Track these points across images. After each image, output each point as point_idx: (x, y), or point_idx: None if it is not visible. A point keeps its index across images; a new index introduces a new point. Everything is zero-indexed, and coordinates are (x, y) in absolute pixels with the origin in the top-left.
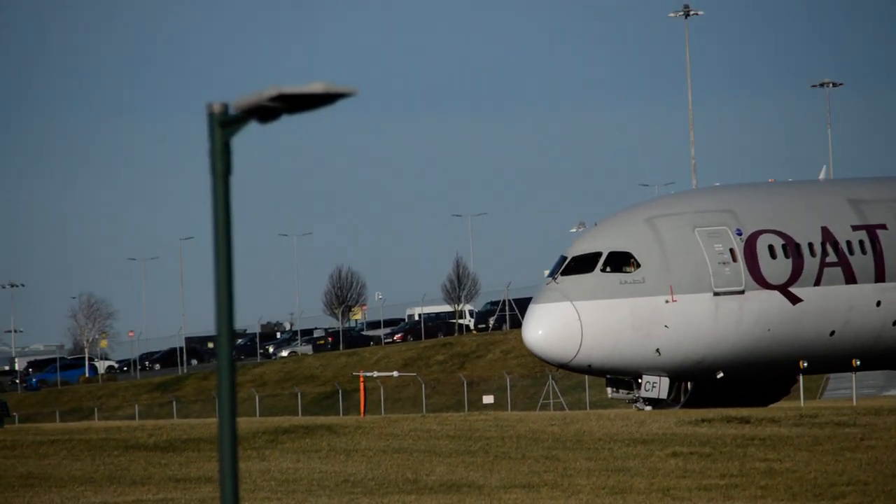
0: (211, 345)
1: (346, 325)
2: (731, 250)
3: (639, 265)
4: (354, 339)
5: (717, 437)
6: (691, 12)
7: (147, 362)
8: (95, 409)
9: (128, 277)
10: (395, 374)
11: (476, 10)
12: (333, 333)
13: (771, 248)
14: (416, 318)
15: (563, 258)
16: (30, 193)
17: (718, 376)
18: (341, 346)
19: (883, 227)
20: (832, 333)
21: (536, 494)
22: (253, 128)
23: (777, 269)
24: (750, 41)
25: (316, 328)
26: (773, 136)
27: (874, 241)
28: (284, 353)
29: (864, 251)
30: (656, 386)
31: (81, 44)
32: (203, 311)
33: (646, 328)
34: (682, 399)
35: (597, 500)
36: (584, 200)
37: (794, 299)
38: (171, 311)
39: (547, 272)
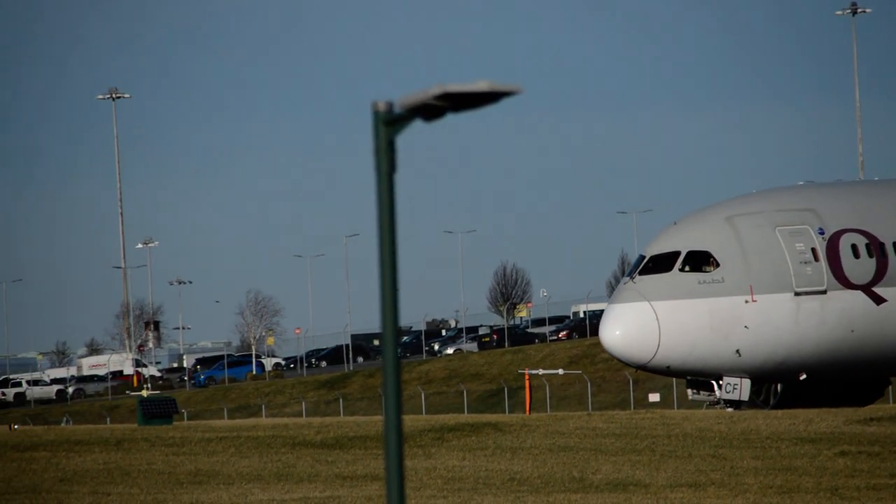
0: (377, 342)
1: (511, 322)
2: (813, 249)
3: (718, 265)
4: (519, 336)
5: (887, 436)
6: (859, 10)
7: (313, 359)
8: (263, 407)
9: (294, 274)
10: (561, 371)
11: (630, 8)
12: (499, 331)
13: (854, 247)
14: (581, 315)
15: (642, 257)
16: (199, 191)
17: (801, 378)
18: (506, 344)
19: None
20: None
21: (703, 493)
22: (418, 124)
23: (860, 268)
24: None
25: (481, 325)
26: None
27: None
28: (450, 351)
29: None
30: (737, 388)
31: (258, 46)
32: (369, 309)
33: (725, 329)
34: (771, 401)
35: (764, 499)
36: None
37: (879, 299)
38: (337, 308)
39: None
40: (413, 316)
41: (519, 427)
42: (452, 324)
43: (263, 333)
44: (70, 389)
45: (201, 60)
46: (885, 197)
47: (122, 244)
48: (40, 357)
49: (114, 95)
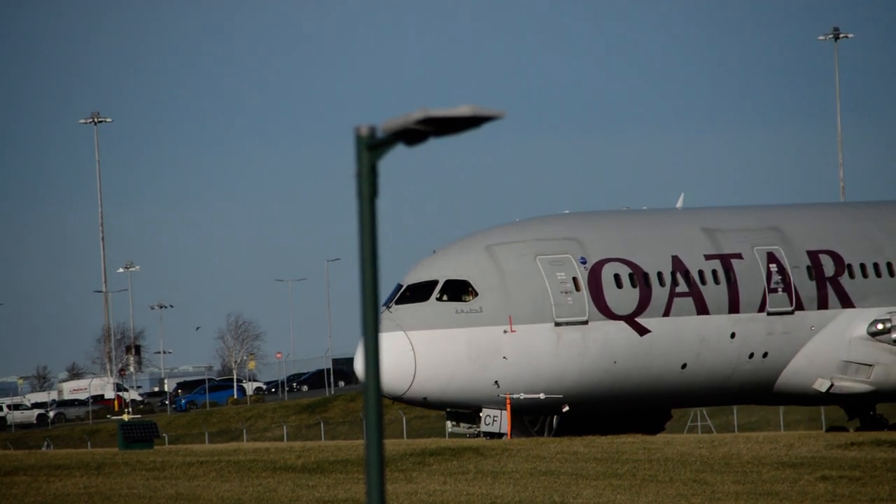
0: None
1: None
2: (575, 279)
3: (476, 294)
4: None
5: (867, 461)
6: (841, 35)
7: (295, 384)
8: (244, 431)
9: (275, 299)
10: (542, 396)
11: (612, 35)
12: None
13: (617, 277)
14: None
15: (399, 286)
16: (179, 216)
17: (564, 410)
18: None
19: (738, 256)
20: (684, 366)
21: None
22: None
23: (623, 298)
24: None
25: None
26: None
27: (728, 270)
28: None
29: (717, 281)
30: (497, 420)
31: (241, 71)
32: (351, 333)
33: (483, 359)
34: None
35: None
36: None
37: (642, 330)
38: (319, 333)
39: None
40: None
41: (500, 451)
42: None
43: (245, 358)
44: (51, 414)
45: (183, 85)
46: (653, 227)
47: (103, 268)
48: (21, 381)
49: (96, 120)
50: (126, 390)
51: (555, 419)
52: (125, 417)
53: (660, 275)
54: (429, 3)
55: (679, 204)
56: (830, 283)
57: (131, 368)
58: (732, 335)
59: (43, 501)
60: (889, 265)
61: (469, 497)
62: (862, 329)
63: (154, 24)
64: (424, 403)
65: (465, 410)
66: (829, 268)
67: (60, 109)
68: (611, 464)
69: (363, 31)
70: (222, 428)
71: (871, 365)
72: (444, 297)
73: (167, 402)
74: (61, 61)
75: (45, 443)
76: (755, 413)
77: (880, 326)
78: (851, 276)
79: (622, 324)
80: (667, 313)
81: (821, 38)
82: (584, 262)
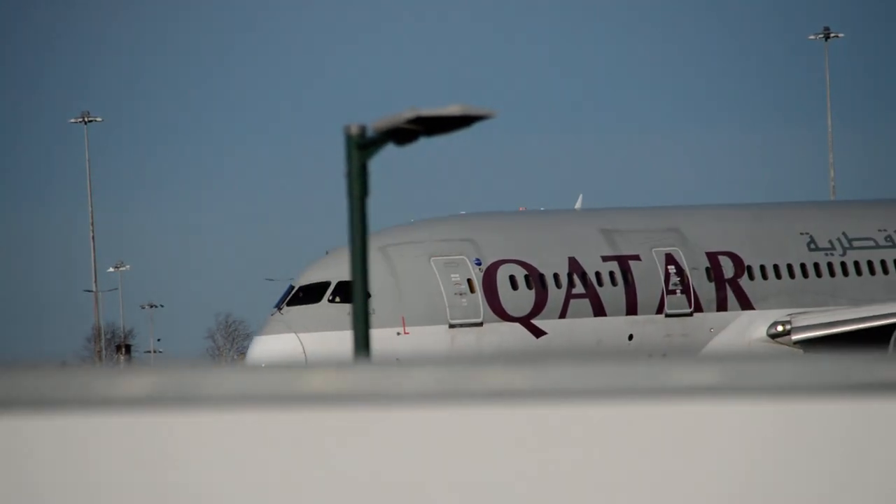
0: None
1: None
2: (469, 281)
3: (369, 295)
4: None
5: None
6: (832, 35)
7: None
8: None
9: (266, 298)
10: None
11: (601, 35)
12: None
13: (512, 278)
14: None
15: (291, 287)
16: (171, 215)
17: None
18: None
19: (636, 257)
20: None
21: None
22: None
23: (518, 300)
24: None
25: None
26: None
27: (626, 272)
28: None
29: (614, 283)
30: None
31: (230, 70)
32: None
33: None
34: None
35: None
36: None
37: (538, 332)
38: None
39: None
40: None
41: None
42: None
43: (235, 357)
44: None
45: (173, 85)
46: (546, 228)
47: (93, 268)
48: None
49: (86, 119)
50: None
51: None
52: None
53: (556, 276)
54: (421, 3)
55: (578, 205)
56: (730, 285)
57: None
58: (630, 337)
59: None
60: (790, 267)
61: None
62: (762, 331)
63: (144, 23)
64: None
65: None
66: (728, 269)
67: (50, 109)
68: None
69: (355, 30)
70: None
71: None
72: (337, 299)
73: None
74: (51, 60)
75: None
76: None
77: (780, 328)
78: (751, 277)
79: (517, 325)
80: (563, 315)
81: (811, 37)
82: (478, 263)
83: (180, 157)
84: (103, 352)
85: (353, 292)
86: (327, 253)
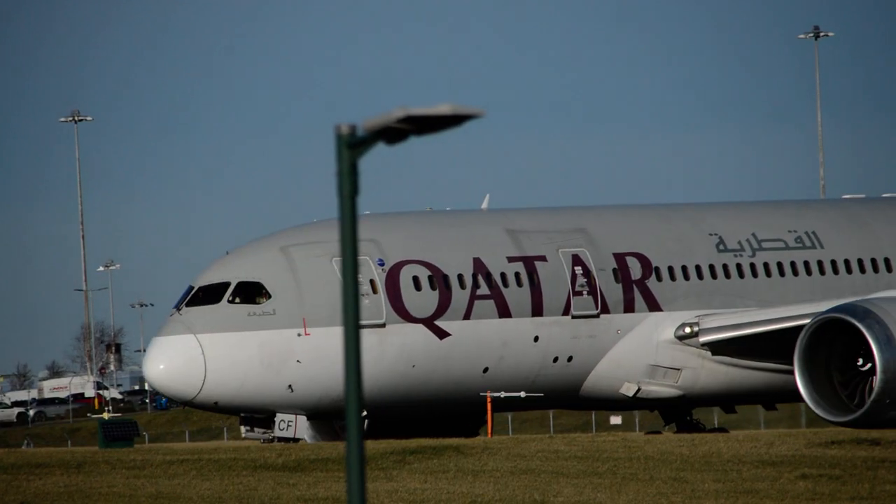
0: None
1: None
2: (372, 281)
3: (270, 296)
4: None
5: (847, 459)
6: (821, 34)
7: None
8: (224, 430)
9: None
10: (523, 394)
11: (591, 34)
12: None
13: (416, 279)
14: None
15: (191, 288)
16: (161, 214)
17: (362, 414)
18: None
19: (542, 258)
20: (486, 370)
21: None
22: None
23: (422, 301)
24: (880, 63)
25: None
26: None
27: (532, 273)
28: None
29: (520, 284)
30: (291, 424)
31: (221, 69)
32: None
33: (277, 363)
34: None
35: None
36: None
37: (442, 333)
38: None
39: None
40: None
41: (480, 450)
42: None
43: None
44: (31, 412)
45: (163, 84)
46: (451, 228)
47: (83, 267)
48: (1, 379)
49: (76, 118)
50: (106, 389)
51: (365, 423)
52: (105, 416)
53: (460, 277)
54: (412, 2)
55: (484, 205)
56: (637, 286)
57: (111, 367)
58: (536, 339)
59: (23, 500)
60: (698, 268)
61: (449, 495)
62: (669, 332)
63: (135, 22)
64: (216, 408)
65: (259, 415)
66: (636, 270)
67: (40, 108)
68: (591, 462)
69: (345, 28)
70: (203, 426)
71: (678, 369)
72: (237, 300)
73: (147, 401)
74: (41, 60)
75: (25, 441)
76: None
77: (688, 330)
78: (659, 278)
79: (421, 327)
80: (467, 316)
81: (801, 36)
82: (381, 263)
83: (170, 157)
84: (93, 351)
85: (345, 291)
86: (227, 253)
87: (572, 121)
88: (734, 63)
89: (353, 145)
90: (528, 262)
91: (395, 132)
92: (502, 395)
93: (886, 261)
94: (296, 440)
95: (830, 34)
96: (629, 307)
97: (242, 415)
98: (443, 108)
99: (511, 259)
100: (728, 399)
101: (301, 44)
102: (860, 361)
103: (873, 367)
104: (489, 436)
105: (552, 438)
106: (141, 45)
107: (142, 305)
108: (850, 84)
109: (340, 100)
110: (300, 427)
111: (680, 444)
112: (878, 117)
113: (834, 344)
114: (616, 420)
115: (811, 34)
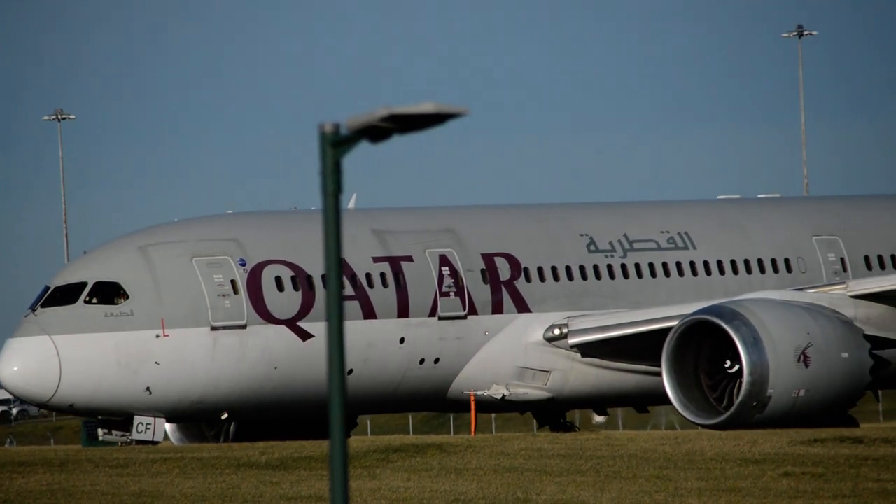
0: None
1: None
2: (233, 281)
3: (128, 297)
4: None
5: (830, 458)
6: (805, 32)
7: None
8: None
9: None
10: (506, 392)
11: (576, 33)
12: None
13: (279, 279)
14: None
15: (47, 288)
16: (143, 214)
17: (223, 417)
18: None
19: (408, 259)
20: (350, 372)
21: None
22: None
23: (284, 302)
24: (862, 62)
25: None
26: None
27: (398, 273)
28: None
29: (385, 284)
30: (150, 427)
31: (204, 68)
32: None
33: (134, 365)
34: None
35: None
36: None
37: (305, 335)
38: None
39: None
40: None
41: (464, 448)
42: None
43: None
44: (14, 411)
45: (147, 82)
46: (316, 228)
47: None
48: None
49: (59, 116)
50: None
51: (232, 425)
52: None
53: (324, 278)
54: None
55: (351, 205)
56: (506, 287)
57: None
58: (402, 340)
59: (6, 499)
60: (568, 268)
61: (433, 493)
62: (538, 334)
63: (117, 20)
64: (72, 410)
65: (117, 418)
66: (504, 271)
67: (23, 106)
68: (574, 460)
69: (331, 27)
70: None
71: (548, 371)
72: (94, 300)
73: None
74: (23, 58)
75: (8, 440)
76: None
77: (557, 332)
78: (528, 279)
79: (283, 328)
80: None
81: (784, 35)
82: (243, 263)
83: (154, 155)
84: None
85: (329, 290)
86: (85, 253)
87: (572, 121)
88: (716, 61)
89: (336, 144)
90: (395, 262)
91: (379, 131)
92: (486, 394)
93: (760, 262)
94: (154, 443)
95: (814, 33)
96: (497, 308)
97: (100, 417)
98: (426, 107)
99: (377, 259)
100: (598, 401)
101: (285, 42)
102: (728, 363)
103: (740, 370)
104: (472, 434)
105: (535, 437)
106: (125, 44)
107: None
108: (833, 83)
109: (324, 98)
110: (158, 430)
111: (663, 442)
112: (862, 115)
113: (702, 346)
114: (599, 419)
115: (795, 33)
